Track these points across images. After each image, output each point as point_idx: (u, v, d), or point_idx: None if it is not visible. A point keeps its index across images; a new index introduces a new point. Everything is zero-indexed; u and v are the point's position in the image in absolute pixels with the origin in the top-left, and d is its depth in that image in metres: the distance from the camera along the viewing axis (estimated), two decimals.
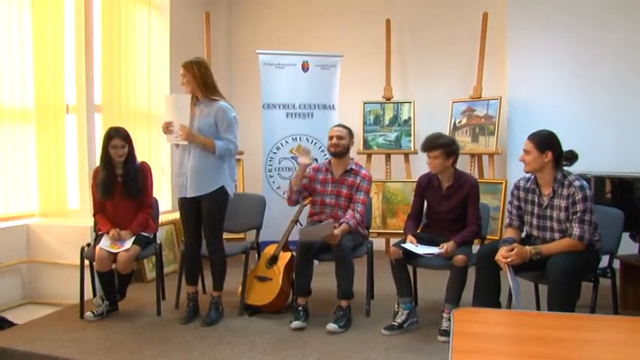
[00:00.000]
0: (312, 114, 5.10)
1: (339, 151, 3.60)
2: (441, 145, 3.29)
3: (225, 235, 3.60)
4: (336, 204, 3.61)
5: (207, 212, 3.41)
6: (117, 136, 3.50)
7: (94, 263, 3.43)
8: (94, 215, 3.64)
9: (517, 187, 3.14)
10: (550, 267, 2.79)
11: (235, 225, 3.86)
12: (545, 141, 2.94)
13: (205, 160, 3.34)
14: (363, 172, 3.63)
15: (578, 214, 2.84)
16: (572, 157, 2.99)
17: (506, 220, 3.20)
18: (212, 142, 3.32)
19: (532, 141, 2.96)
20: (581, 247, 2.85)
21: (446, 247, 3.17)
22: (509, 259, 2.82)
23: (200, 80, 3.34)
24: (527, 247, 2.88)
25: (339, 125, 3.71)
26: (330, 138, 3.63)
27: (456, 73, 5.46)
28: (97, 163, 3.63)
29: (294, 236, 3.54)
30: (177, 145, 3.42)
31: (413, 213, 3.53)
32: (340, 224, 3.42)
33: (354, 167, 3.63)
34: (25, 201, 4.09)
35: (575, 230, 2.84)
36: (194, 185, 3.36)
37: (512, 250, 2.85)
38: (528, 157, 2.96)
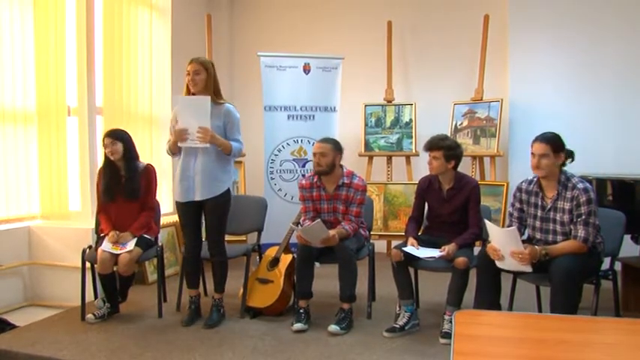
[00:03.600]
0: (313, 116, 5.11)
1: (322, 170, 3.45)
2: (444, 147, 3.28)
3: (227, 238, 3.60)
4: (335, 220, 3.53)
5: (212, 215, 3.39)
6: (106, 136, 3.54)
7: (96, 265, 3.43)
8: (97, 214, 3.65)
9: (519, 189, 3.12)
10: (552, 269, 2.79)
11: (236, 227, 3.85)
12: (558, 142, 2.90)
13: (215, 163, 3.32)
14: (356, 181, 3.49)
15: (583, 217, 2.83)
16: (570, 156, 2.97)
17: (507, 222, 3.19)
18: (229, 144, 3.30)
19: (548, 144, 2.87)
20: (586, 249, 2.85)
21: (447, 249, 3.17)
22: (523, 262, 2.81)
23: (214, 81, 3.33)
24: (537, 247, 2.87)
25: (323, 140, 3.51)
26: (314, 155, 3.48)
27: (458, 75, 5.47)
28: (100, 164, 3.66)
29: (296, 238, 3.53)
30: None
31: (414, 215, 3.53)
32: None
33: (345, 180, 3.48)
34: (26, 203, 4.09)
35: (581, 233, 2.83)
36: (203, 188, 3.32)
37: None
38: (546, 160, 2.86)
